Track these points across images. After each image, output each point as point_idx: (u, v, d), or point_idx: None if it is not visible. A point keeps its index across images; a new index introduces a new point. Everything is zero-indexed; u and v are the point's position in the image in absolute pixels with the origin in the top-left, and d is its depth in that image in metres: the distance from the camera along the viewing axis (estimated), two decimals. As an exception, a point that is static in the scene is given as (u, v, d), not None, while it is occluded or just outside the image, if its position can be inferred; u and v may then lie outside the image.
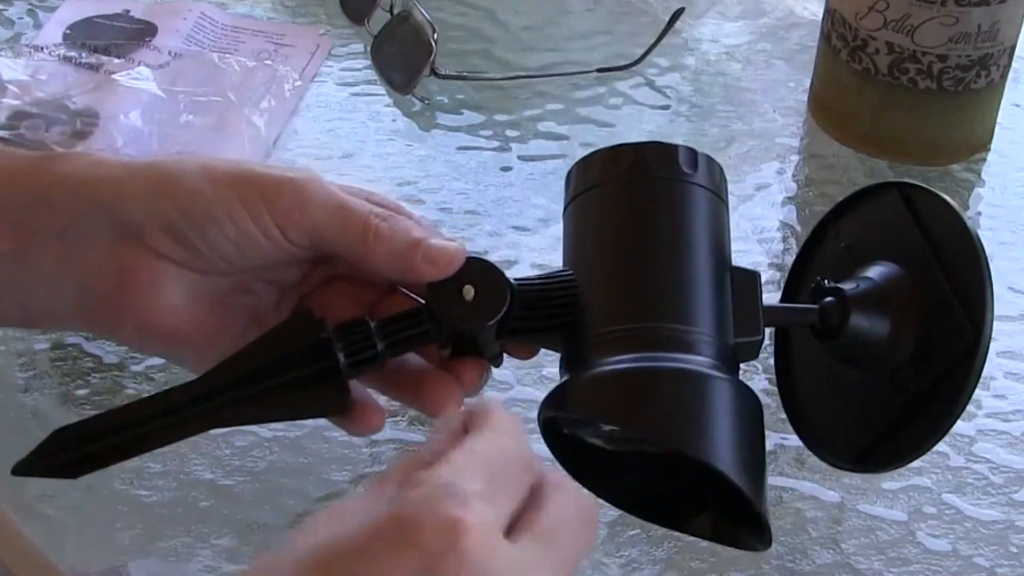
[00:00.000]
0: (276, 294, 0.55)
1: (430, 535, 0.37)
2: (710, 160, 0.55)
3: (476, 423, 0.43)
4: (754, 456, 0.49)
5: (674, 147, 0.54)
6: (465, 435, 0.43)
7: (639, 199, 0.53)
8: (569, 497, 0.43)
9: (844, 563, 0.59)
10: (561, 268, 0.53)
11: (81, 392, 0.65)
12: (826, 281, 0.54)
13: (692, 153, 0.54)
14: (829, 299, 0.53)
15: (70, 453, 0.48)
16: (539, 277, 0.53)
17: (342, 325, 0.50)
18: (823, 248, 0.58)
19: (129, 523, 0.59)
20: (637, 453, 0.52)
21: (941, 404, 0.51)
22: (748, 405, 0.50)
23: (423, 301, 0.52)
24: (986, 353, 0.50)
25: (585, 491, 0.45)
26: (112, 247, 0.51)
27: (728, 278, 0.52)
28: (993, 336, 0.70)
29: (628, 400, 0.49)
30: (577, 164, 0.55)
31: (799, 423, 0.57)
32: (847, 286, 0.53)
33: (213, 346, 0.52)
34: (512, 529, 0.41)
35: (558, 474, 0.45)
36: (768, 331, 0.55)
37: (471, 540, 0.37)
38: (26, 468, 0.48)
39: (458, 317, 0.51)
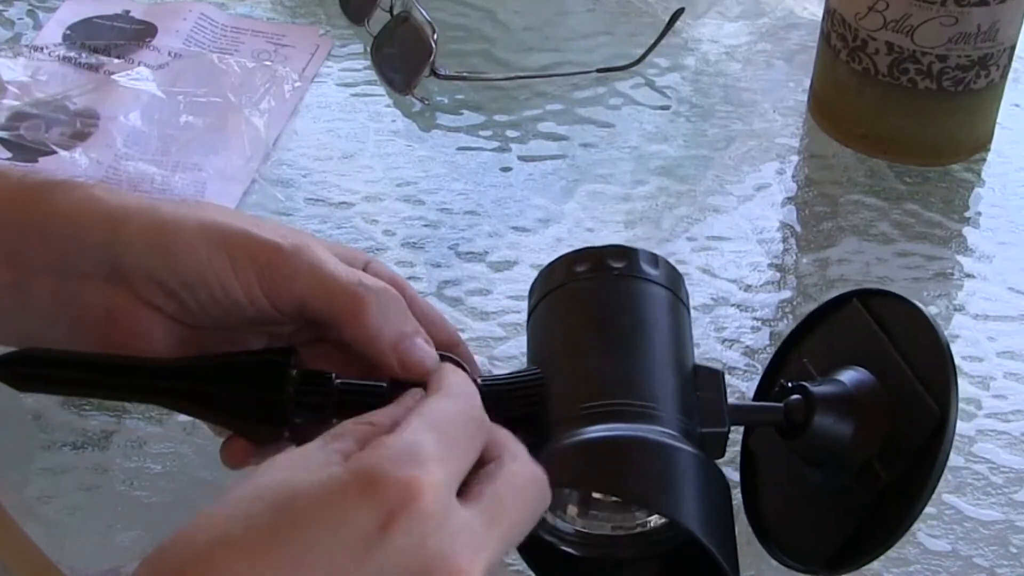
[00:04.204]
0: (264, 343, 0.55)
1: (390, 492, 0.40)
2: (670, 265, 0.56)
3: (432, 387, 0.47)
4: (724, 522, 0.49)
5: (634, 249, 0.55)
6: (420, 400, 0.46)
7: (600, 293, 0.55)
8: (521, 468, 0.45)
9: (844, 563, 0.59)
10: (527, 366, 0.54)
11: (81, 392, 0.65)
12: (790, 383, 0.54)
13: (652, 256, 0.56)
14: (795, 397, 0.53)
15: (28, 368, 0.50)
16: (506, 375, 0.53)
17: (307, 373, 0.50)
18: (788, 368, 0.59)
19: (129, 524, 0.59)
20: (608, 559, 0.52)
21: (910, 489, 0.51)
22: (717, 479, 0.50)
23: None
24: (953, 432, 0.50)
25: (536, 464, 0.46)
26: (103, 289, 0.50)
27: (691, 373, 0.53)
28: (993, 336, 0.71)
29: (597, 462, 0.49)
30: (541, 271, 0.57)
31: (765, 534, 0.56)
32: (812, 385, 0.54)
33: None
34: (464, 493, 0.43)
35: (509, 438, 0.47)
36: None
37: (427, 500, 0.40)
38: None
39: None
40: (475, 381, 0.50)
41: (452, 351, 0.54)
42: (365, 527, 0.40)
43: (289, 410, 0.49)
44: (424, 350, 0.51)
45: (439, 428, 0.44)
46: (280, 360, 0.49)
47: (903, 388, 0.53)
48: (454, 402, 0.46)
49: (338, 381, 0.50)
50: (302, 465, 0.42)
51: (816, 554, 0.54)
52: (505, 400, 0.51)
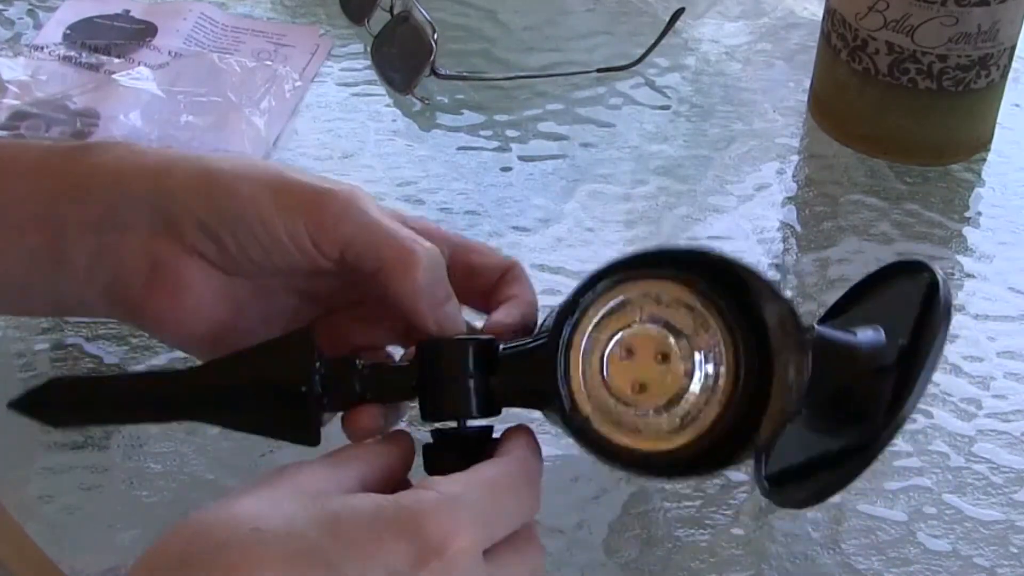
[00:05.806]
0: (296, 303, 0.55)
1: (430, 534, 0.42)
2: None
3: (507, 442, 0.49)
4: None
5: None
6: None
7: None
8: (540, 550, 0.48)
9: (844, 563, 0.59)
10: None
11: (81, 392, 0.64)
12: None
13: None
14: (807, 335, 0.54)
15: (59, 406, 0.51)
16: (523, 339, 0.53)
17: (330, 361, 0.50)
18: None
19: (129, 523, 0.59)
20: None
21: (866, 448, 0.51)
22: None
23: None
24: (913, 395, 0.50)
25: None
26: (148, 240, 0.51)
27: None
28: (993, 336, 0.71)
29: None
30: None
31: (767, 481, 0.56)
32: (823, 326, 0.53)
33: (225, 347, 0.52)
34: (491, 552, 0.45)
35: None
36: None
37: (458, 554, 0.43)
38: (18, 406, 0.51)
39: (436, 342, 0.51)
40: (495, 340, 0.51)
41: (508, 273, 0.55)
42: (399, 562, 0.42)
43: (314, 407, 0.50)
44: (458, 315, 0.52)
45: (493, 491, 0.46)
46: (307, 351, 0.50)
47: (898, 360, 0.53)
48: (515, 471, 0.47)
49: (361, 363, 0.51)
50: (330, 479, 0.45)
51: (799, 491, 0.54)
52: (525, 362, 0.51)
